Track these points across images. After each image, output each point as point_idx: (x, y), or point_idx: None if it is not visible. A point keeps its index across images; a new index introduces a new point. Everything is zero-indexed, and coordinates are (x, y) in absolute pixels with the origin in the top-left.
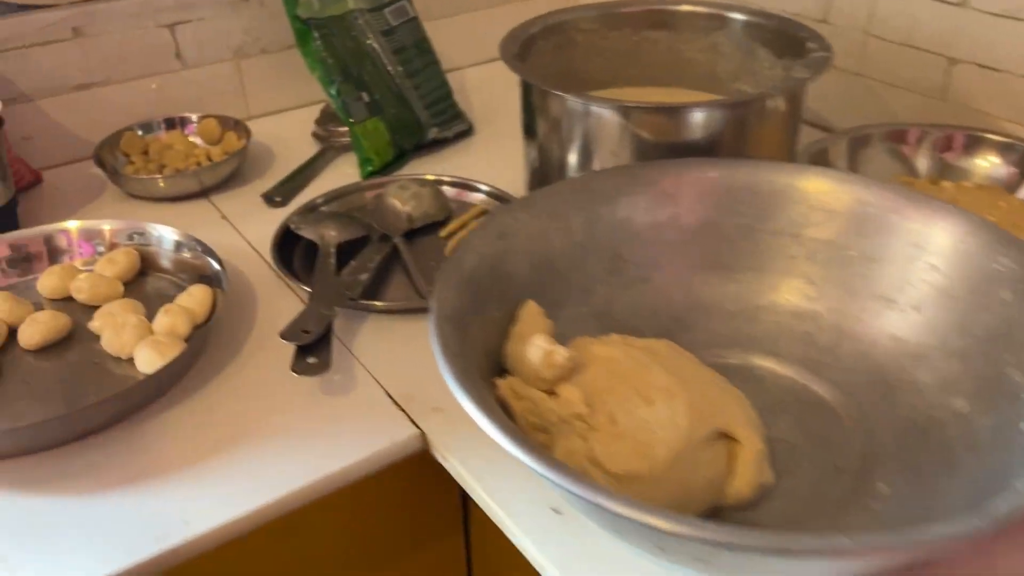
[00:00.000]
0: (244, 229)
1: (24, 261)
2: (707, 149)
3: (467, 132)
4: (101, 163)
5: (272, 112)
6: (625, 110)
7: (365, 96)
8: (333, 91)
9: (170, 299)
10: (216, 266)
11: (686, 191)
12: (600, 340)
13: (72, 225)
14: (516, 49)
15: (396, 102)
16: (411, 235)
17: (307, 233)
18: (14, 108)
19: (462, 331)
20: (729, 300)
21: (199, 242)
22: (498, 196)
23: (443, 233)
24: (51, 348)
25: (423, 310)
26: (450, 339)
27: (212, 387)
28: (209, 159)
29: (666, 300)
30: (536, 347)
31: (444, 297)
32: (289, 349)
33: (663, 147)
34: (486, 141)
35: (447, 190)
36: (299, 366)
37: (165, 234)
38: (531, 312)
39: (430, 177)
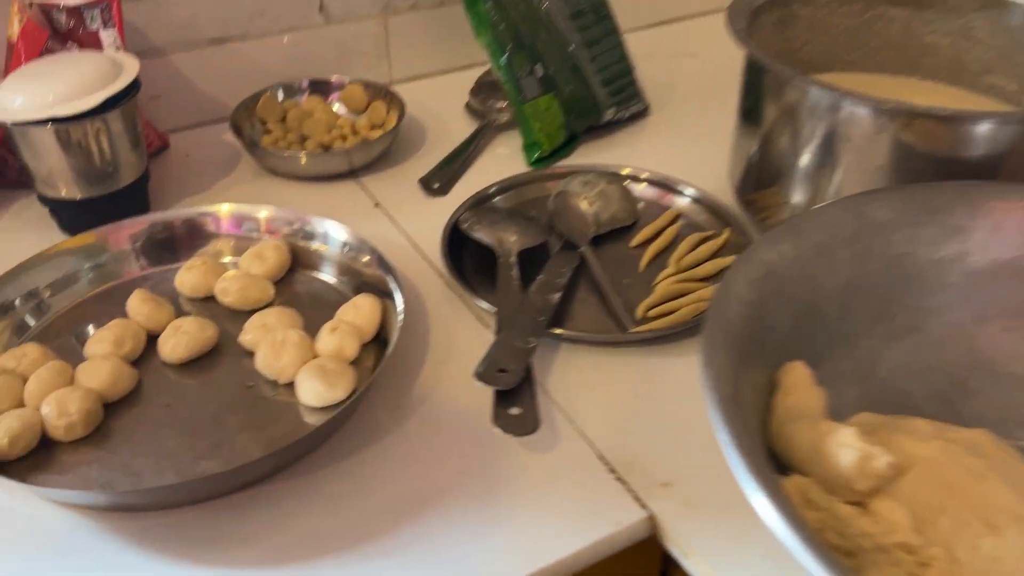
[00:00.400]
0: (403, 221)
1: (161, 248)
2: (984, 167)
3: (642, 113)
4: (237, 129)
5: (417, 77)
6: (892, 112)
7: (539, 69)
8: (503, 62)
9: (328, 307)
10: (389, 277)
11: (981, 224)
12: (905, 429)
13: (222, 209)
14: (743, 24)
15: (572, 77)
16: (595, 242)
17: (483, 236)
18: (144, 63)
19: (739, 409)
20: (1021, 361)
21: (371, 247)
22: (703, 201)
23: (634, 243)
24: (195, 361)
25: (630, 343)
26: (735, 424)
27: (382, 432)
28: (354, 131)
29: (942, 357)
30: (847, 447)
31: (718, 367)
32: (472, 383)
33: (930, 160)
34: (662, 124)
35: (642, 190)
36: (502, 419)
37: (332, 232)
38: (800, 378)
39: (626, 171)
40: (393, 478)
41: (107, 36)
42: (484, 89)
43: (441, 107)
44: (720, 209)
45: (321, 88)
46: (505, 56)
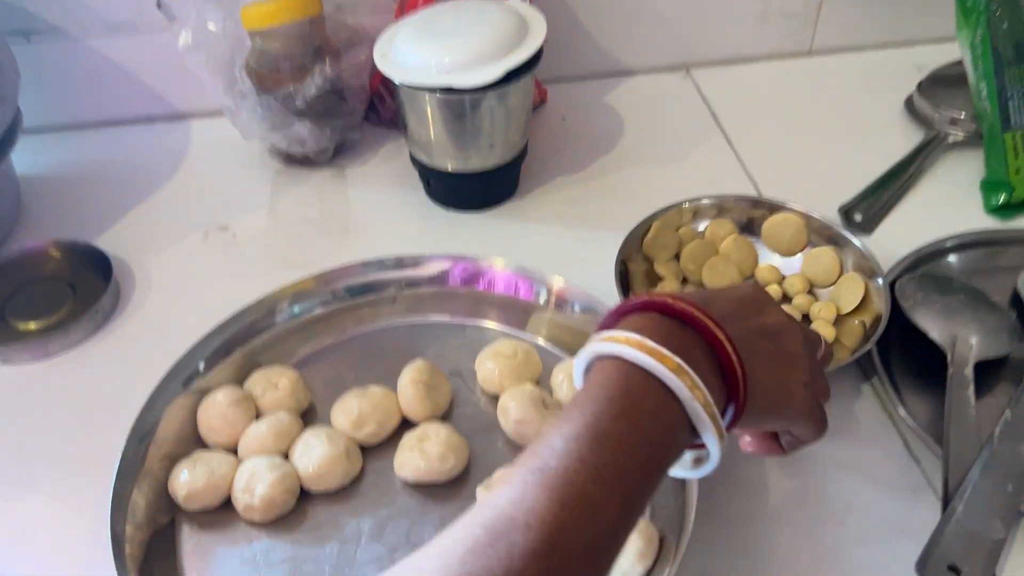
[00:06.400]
0: None
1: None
2: None
3: None
4: None
5: (845, 49)
6: None
7: None
8: (990, 71)
9: None
10: None
11: None
12: None
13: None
14: None
15: None
16: None
17: (931, 328)
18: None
19: None
20: None
21: None
22: None
23: None
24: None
25: None
26: None
27: None
28: None
29: None
30: None
31: None
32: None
33: None
34: None
35: None
36: None
37: None
38: None
39: None
40: None
41: None
42: (938, 87)
43: (871, 95)
44: None
45: None
46: (996, 64)
